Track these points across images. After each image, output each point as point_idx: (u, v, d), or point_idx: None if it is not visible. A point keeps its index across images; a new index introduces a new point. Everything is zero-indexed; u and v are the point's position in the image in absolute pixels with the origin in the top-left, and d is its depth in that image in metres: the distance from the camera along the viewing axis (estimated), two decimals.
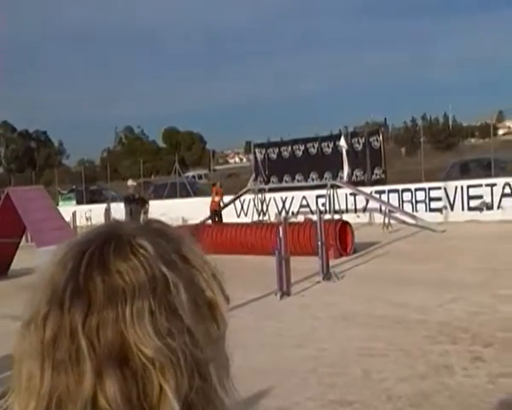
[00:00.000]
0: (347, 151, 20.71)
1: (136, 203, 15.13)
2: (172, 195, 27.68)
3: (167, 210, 20.06)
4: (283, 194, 22.36)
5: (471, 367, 5.98)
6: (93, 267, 0.65)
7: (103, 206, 24.37)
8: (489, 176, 19.70)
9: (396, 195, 20.10)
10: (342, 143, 20.71)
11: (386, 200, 19.78)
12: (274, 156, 24.31)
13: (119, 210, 20.15)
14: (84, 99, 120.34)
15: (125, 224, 0.73)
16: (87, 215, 26.60)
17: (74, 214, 19.41)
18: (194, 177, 39.62)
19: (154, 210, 19.59)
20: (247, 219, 20.82)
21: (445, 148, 44.75)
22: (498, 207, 18.29)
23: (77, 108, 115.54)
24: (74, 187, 35.66)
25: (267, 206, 21.32)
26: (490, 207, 18.38)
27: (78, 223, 21.03)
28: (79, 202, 31.38)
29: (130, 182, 17.58)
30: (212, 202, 19.80)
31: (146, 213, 22.55)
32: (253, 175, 24.25)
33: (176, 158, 30.13)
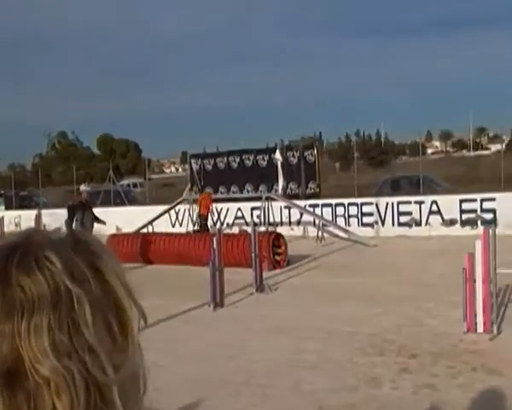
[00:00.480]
0: (282, 164, 20.92)
1: (89, 209, 14.68)
2: (106, 203, 27.21)
3: (101, 218, 19.70)
4: (218, 205, 22.35)
5: (398, 379, 6.15)
6: None
7: (33, 212, 23.72)
8: (418, 193, 20.32)
9: (329, 209, 20.43)
10: (277, 156, 20.91)
11: (319, 213, 20.07)
12: (210, 167, 24.29)
13: (52, 217, 19.71)
14: (14, 102, 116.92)
15: (41, 234, 0.68)
16: (16, 221, 25.84)
17: (2, 220, 18.79)
18: (128, 185, 39.08)
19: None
20: (182, 230, 20.70)
21: (378, 164, 45.90)
22: (426, 223, 18.89)
23: (6, 111, 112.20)
24: (3, 192, 34.56)
25: None
26: (418, 223, 18.95)
27: (6, 228, 20.34)
28: (8, 208, 30.40)
29: (83, 187, 17.09)
30: (205, 208, 19.16)
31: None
32: (189, 185, 24.15)
33: (110, 165, 29.67)
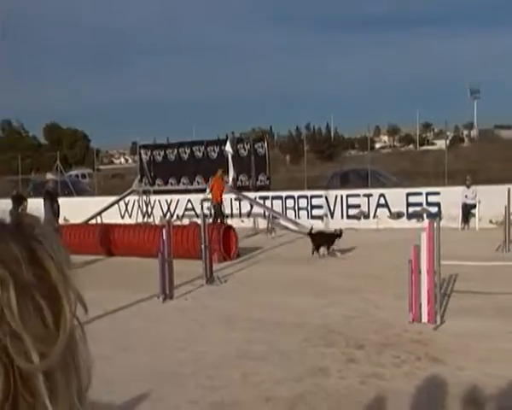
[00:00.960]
0: (233, 156, 20.94)
1: (55, 199, 14.13)
2: (38, 194, 26.64)
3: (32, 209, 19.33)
4: (168, 196, 22.22)
5: (345, 369, 6.25)
6: None
7: None
8: (366, 187, 20.64)
9: (279, 201, 20.57)
10: (228, 148, 20.91)
11: (269, 206, 20.18)
12: (160, 158, 24.10)
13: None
14: None
15: None
16: None
17: None
18: (77, 176, 38.42)
19: (33, 209, 18.81)
20: (132, 221, 20.50)
21: (327, 157, 46.39)
22: (374, 216, 19.22)
23: None
24: None
25: (152, 208, 21.11)
26: (366, 216, 19.27)
27: None
28: None
29: (49, 175, 16.57)
30: (218, 190, 18.02)
31: (24, 210, 21.57)
32: (138, 176, 23.90)
33: (57, 155, 29.09)
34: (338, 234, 13.94)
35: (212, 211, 18.12)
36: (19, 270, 0.61)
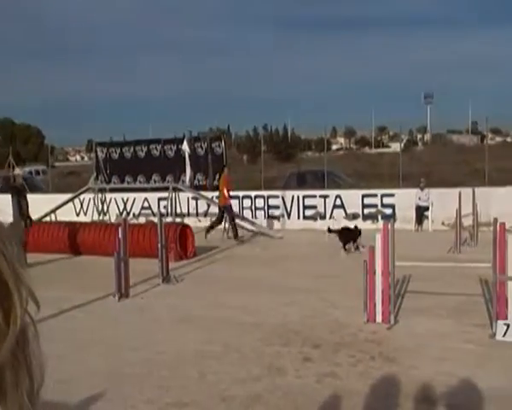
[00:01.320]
0: (190, 155, 20.86)
1: (22, 195, 13.76)
2: (5, 190, 26.07)
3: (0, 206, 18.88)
4: (125, 195, 21.99)
5: (302, 368, 6.31)
6: None
7: None
8: (323, 188, 20.84)
9: (236, 201, 20.57)
10: (185, 147, 20.83)
11: None
12: (116, 156, 23.83)
13: None
14: None
15: None
16: None
17: None
18: (30, 172, 37.64)
19: None
20: (87, 219, 20.21)
21: (284, 158, 46.61)
22: (330, 217, 19.41)
23: None
24: None
25: (108, 206, 20.85)
26: (323, 216, 19.45)
27: None
28: None
29: (17, 171, 16.08)
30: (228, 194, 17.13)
31: None
32: (94, 174, 23.59)
33: (10, 151, 28.47)
34: (359, 230, 14.32)
35: (217, 214, 17.63)
36: None
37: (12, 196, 13.52)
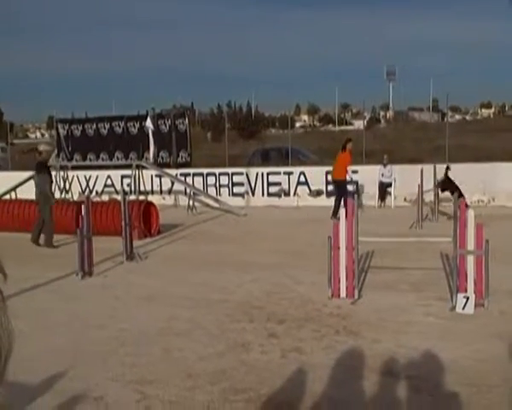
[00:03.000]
0: (153, 132, 20.65)
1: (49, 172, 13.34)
2: None
3: None
4: (87, 172, 21.70)
5: (266, 343, 6.34)
6: None
7: None
8: (287, 165, 20.89)
9: (201, 178, 20.51)
10: (148, 123, 20.60)
11: (191, 183, 20.09)
12: (78, 133, 23.47)
13: None
14: None
15: None
16: None
17: None
18: None
19: None
20: None
21: (249, 136, 46.49)
22: (294, 194, 19.50)
23: None
24: None
25: (70, 184, 20.54)
26: (287, 193, 19.53)
27: None
28: None
29: (43, 146, 15.51)
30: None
31: None
32: (55, 151, 23.18)
33: None
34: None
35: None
36: None
37: (41, 173, 13.13)
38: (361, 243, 8.12)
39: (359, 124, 42.41)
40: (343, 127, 70.75)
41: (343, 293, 7.97)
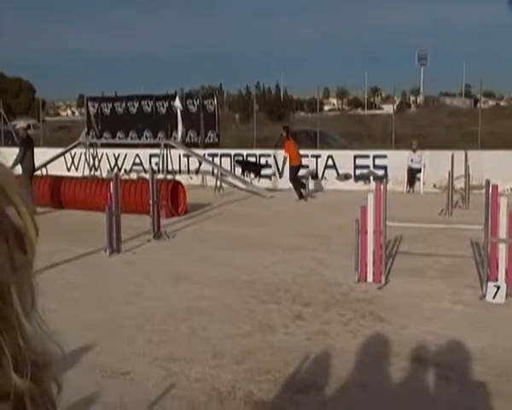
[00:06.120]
0: (182, 112, 20.66)
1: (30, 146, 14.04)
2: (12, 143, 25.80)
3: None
4: (116, 150, 21.82)
5: (292, 325, 6.34)
6: None
7: None
8: (315, 147, 20.75)
9: (228, 159, 20.48)
10: (177, 103, 20.60)
11: (218, 163, 20.09)
12: (107, 111, 23.58)
13: None
14: None
15: None
16: None
17: None
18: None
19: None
20: (78, 174, 20.07)
21: (277, 118, 46.27)
22: (322, 177, 19.39)
23: None
24: None
25: (99, 161, 20.71)
26: (315, 176, 19.41)
27: None
28: None
29: (21, 123, 16.28)
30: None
31: None
32: (85, 129, 23.35)
33: (1, 104, 28.08)
34: None
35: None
36: None
37: (25, 149, 13.68)
38: (389, 228, 8.03)
39: (389, 108, 41.92)
40: (372, 111, 70.02)
41: (370, 278, 7.92)
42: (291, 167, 17.18)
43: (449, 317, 6.56)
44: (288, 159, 17.63)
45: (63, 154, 21.05)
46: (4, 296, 0.64)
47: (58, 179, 15.60)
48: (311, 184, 18.75)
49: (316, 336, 6.00)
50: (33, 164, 13.99)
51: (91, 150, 20.59)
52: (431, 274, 8.36)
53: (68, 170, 21.39)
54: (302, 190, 16.98)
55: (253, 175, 19.90)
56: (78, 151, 21.43)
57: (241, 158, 20.28)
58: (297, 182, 17.01)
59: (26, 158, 13.60)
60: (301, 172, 18.03)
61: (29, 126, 14.97)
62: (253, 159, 20.30)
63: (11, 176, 0.71)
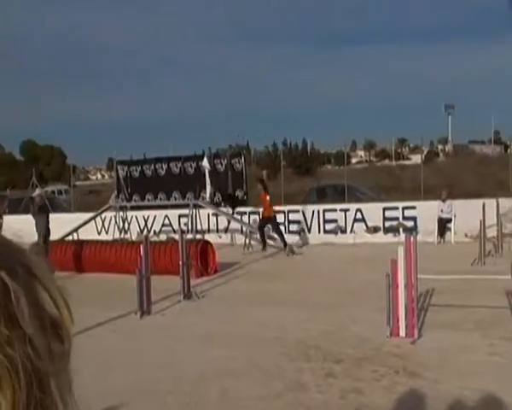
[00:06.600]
0: (210, 172, 20.91)
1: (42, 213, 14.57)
2: (29, 210, 26.33)
3: (23, 226, 19.10)
4: (145, 212, 22.10)
5: (324, 384, 6.24)
6: None
7: None
8: (343, 201, 20.74)
9: (256, 216, 20.55)
10: (205, 163, 20.89)
11: (247, 221, 20.17)
12: (136, 174, 24.00)
13: None
14: None
15: None
16: None
17: None
18: (53, 192, 38.04)
19: (9, 225, 18.62)
20: (108, 237, 20.31)
21: (304, 173, 46.51)
22: (351, 230, 19.31)
23: None
24: None
25: (129, 224, 20.95)
26: (343, 230, 19.35)
27: None
28: None
29: (37, 191, 16.88)
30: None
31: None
32: (115, 192, 23.75)
33: (33, 171, 28.80)
34: None
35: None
36: (24, 283, 0.66)
37: (39, 215, 14.13)
38: (420, 280, 7.94)
39: (417, 158, 41.76)
40: (400, 162, 69.83)
41: (402, 332, 7.79)
42: (262, 218, 18.19)
43: (485, 370, 6.39)
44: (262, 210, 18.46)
45: (93, 218, 21.36)
46: (44, 387, 0.65)
47: (88, 244, 15.81)
48: (339, 239, 18.67)
49: (349, 394, 5.89)
50: (48, 230, 14.55)
51: (121, 213, 20.86)
52: (465, 326, 8.18)
53: (99, 233, 21.66)
54: (271, 243, 17.86)
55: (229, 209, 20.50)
56: (108, 214, 21.73)
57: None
58: (263, 232, 17.93)
59: (42, 224, 14.07)
60: (329, 226, 18.02)
61: (45, 193, 15.56)
62: (281, 215, 20.34)
63: (45, 265, 0.71)
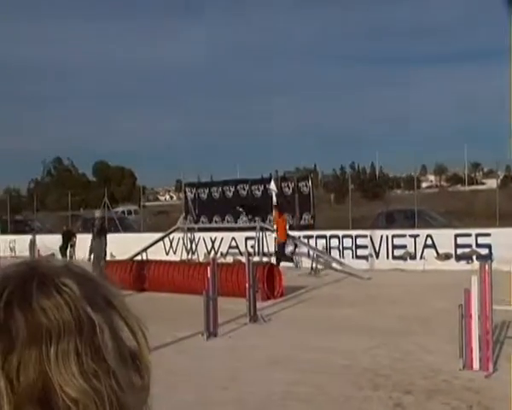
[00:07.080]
0: (277, 195, 20.94)
1: (101, 235, 15.21)
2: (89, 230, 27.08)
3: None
4: (213, 234, 22.31)
5: None
6: (14, 304, 0.63)
7: (28, 237, 23.57)
8: (413, 227, 20.32)
9: (324, 240, 20.41)
10: (272, 186, 20.95)
11: (314, 245, 20.03)
12: (204, 196, 24.32)
13: (46, 242, 19.73)
14: (11, 127, 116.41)
15: (46, 263, 0.70)
16: (11, 245, 25.73)
17: None
18: (123, 212, 38.99)
19: (82, 244, 19.19)
20: (176, 258, 20.59)
21: (372, 197, 45.96)
22: (421, 257, 18.86)
23: (2, 135, 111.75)
24: None
25: (196, 245, 21.19)
26: (413, 257, 18.92)
27: (1, 253, 20.41)
28: (4, 232, 30.26)
29: (97, 213, 17.92)
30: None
31: (73, 245, 22.00)
32: (183, 214, 24.11)
33: (105, 192, 29.64)
34: None
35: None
36: (107, 315, 0.67)
37: (99, 236, 14.74)
38: (495, 311, 7.62)
39: (492, 183, 40.52)
40: (474, 187, 67.96)
41: (476, 365, 7.48)
42: (279, 243, 18.77)
43: None
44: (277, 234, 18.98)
45: (162, 239, 21.72)
46: None
47: (156, 264, 16.08)
48: (408, 265, 18.27)
49: None
50: (105, 251, 15.23)
51: (189, 234, 21.13)
52: None
53: (167, 254, 21.99)
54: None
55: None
56: (176, 235, 22.05)
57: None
58: (284, 255, 18.74)
59: (99, 247, 14.59)
60: (398, 252, 17.66)
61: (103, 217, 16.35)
62: (348, 240, 20.12)
63: (123, 297, 0.72)
